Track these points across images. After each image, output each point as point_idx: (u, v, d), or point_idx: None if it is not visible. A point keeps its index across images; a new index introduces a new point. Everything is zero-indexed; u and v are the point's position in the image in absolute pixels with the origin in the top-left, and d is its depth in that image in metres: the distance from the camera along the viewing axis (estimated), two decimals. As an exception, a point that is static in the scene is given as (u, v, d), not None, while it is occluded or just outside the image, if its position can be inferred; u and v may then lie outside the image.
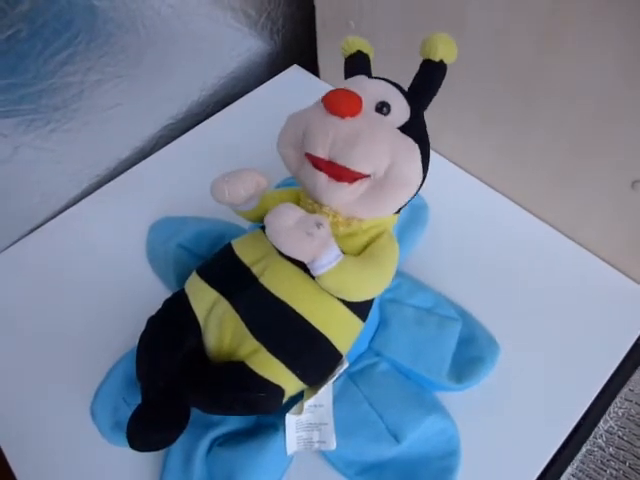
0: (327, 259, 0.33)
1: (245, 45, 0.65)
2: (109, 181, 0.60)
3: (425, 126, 0.38)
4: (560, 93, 0.44)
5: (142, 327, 0.39)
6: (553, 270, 0.51)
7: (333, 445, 0.39)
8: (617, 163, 0.44)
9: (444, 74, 0.37)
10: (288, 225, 0.32)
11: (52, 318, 0.50)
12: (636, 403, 0.50)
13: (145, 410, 0.37)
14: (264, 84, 0.68)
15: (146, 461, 0.41)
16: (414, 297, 0.46)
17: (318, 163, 0.35)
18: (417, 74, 0.38)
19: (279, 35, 0.68)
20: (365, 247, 0.38)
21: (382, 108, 0.35)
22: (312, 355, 0.37)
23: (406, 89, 0.38)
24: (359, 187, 0.34)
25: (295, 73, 0.69)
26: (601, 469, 0.47)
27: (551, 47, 0.42)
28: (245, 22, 0.62)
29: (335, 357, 0.38)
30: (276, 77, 0.69)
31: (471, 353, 0.43)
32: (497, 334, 0.46)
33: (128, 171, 0.61)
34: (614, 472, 0.47)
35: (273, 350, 0.36)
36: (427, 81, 0.38)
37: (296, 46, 0.71)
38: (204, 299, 0.38)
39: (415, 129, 0.36)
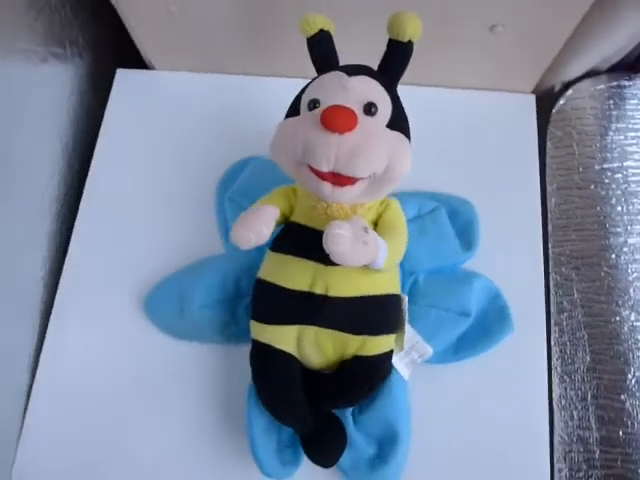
0: (383, 256, 0.37)
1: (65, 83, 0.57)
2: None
3: (403, 109, 0.39)
4: None
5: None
6: (457, 120, 0.58)
7: (430, 351, 0.47)
8: (475, 10, 0.49)
9: (411, 53, 0.38)
10: (347, 245, 0.34)
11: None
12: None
13: (311, 441, 0.42)
14: (107, 105, 0.62)
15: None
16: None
17: (323, 175, 0.36)
18: (385, 56, 0.38)
19: (85, 52, 0.60)
20: (374, 221, 0.42)
21: (370, 109, 0.36)
22: (394, 314, 0.44)
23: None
24: (361, 185, 0.37)
25: (125, 77, 0.63)
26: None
27: None
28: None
29: (401, 300, 0.45)
30: (113, 91, 0.62)
31: (460, 220, 0.53)
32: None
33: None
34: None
35: (373, 333, 0.42)
36: (396, 63, 0.38)
37: (105, 54, 0.64)
38: (287, 338, 0.41)
39: (399, 121, 0.38)
